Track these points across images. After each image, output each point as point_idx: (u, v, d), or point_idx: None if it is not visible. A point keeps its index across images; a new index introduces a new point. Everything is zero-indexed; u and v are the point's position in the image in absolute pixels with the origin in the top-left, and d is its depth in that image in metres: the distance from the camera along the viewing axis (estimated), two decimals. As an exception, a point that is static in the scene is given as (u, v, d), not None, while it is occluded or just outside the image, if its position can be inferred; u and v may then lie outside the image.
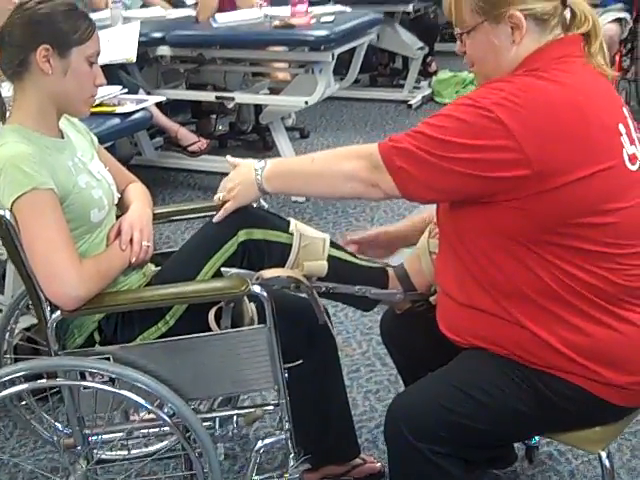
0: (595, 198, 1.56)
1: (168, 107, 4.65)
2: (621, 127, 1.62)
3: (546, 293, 1.60)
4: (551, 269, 1.59)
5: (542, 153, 1.52)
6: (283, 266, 1.83)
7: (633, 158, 1.62)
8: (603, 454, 1.74)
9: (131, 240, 1.87)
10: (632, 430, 2.36)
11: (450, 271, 1.72)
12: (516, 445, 2.26)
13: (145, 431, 1.99)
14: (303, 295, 1.81)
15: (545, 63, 1.59)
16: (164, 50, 4.57)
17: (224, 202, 1.86)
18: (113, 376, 1.74)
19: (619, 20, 4.25)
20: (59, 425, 2.34)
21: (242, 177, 1.85)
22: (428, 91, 6.08)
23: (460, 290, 1.70)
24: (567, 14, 1.64)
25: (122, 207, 1.99)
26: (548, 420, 1.69)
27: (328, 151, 1.82)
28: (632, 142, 1.64)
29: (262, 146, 5.12)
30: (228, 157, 1.94)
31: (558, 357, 1.61)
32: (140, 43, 4.20)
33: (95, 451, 1.89)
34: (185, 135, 4.57)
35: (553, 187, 1.53)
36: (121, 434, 1.90)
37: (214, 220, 1.86)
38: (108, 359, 1.77)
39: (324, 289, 1.85)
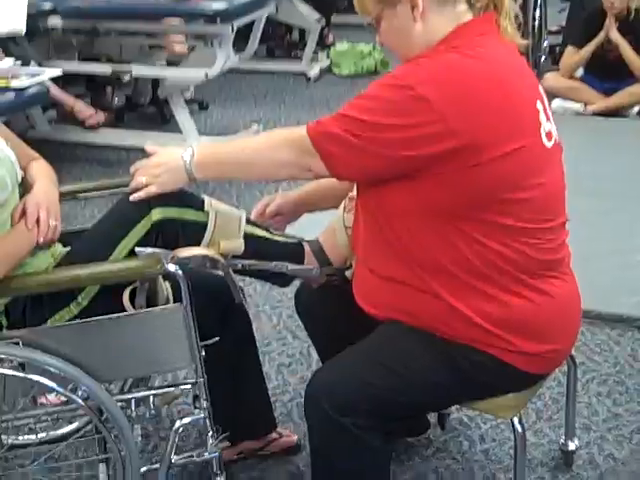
0: (518, 173, 1.60)
1: (61, 79, 4.50)
2: (538, 104, 1.66)
3: (466, 266, 1.63)
4: (472, 243, 1.61)
5: (468, 125, 1.54)
6: (199, 244, 1.80)
7: (549, 135, 1.66)
8: (515, 419, 1.79)
9: (37, 219, 1.80)
10: (537, 393, 2.44)
11: (369, 243, 1.73)
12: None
13: (55, 415, 1.94)
14: (219, 273, 1.79)
15: (464, 41, 1.61)
16: (55, 21, 4.40)
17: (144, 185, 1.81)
18: (22, 361, 1.69)
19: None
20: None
21: (168, 164, 1.81)
22: (326, 63, 6.10)
23: (378, 262, 1.72)
24: None
25: (26, 186, 1.91)
26: (466, 391, 1.73)
27: (258, 138, 1.85)
28: (547, 118, 1.67)
29: (160, 119, 5.03)
30: (147, 145, 1.89)
31: (474, 329, 1.65)
32: (29, 14, 4.04)
33: (4, 437, 1.83)
34: (81, 108, 4.45)
35: (480, 162, 1.55)
36: (31, 420, 1.84)
37: (131, 198, 1.81)
38: (17, 343, 1.71)
39: (241, 266, 1.84)
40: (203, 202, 1.85)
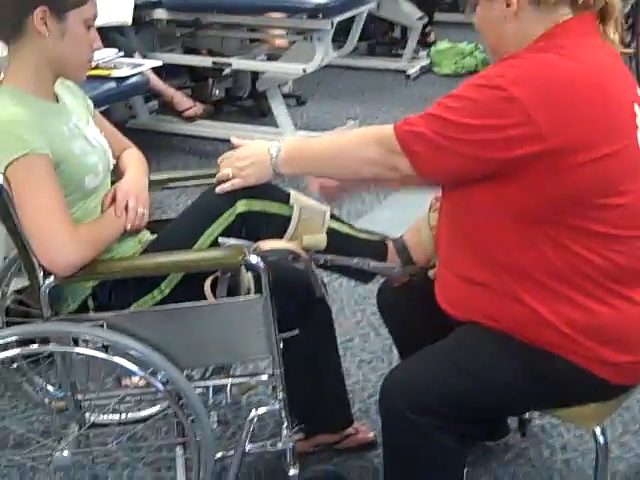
0: (610, 179, 1.55)
1: (164, 71, 4.60)
2: (636, 107, 1.61)
3: (552, 272, 1.59)
4: (560, 250, 1.58)
5: (558, 130, 1.50)
6: (282, 238, 1.81)
7: None
8: (597, 430, 1.74)
9: (126, 207, 1.85)
10: (624, 405, 2.36)
11: (451, 244, 1.71)
12: (509, 417, 2.26)
13: (138, 396, 1.99)
14: (301, 266, 1.80)
15: (562, 42, 1.56)
16: (160, 13, 4.51)
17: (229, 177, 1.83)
18: (107, 343, 1.73)
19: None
20: (51, 388, 2.34)
21: (254, 157, 1.83)
22: (426, 61, 6.04)
23: (460, 263, 1.69)
24: None
25: (117, 173, 1.97)
26: (544, 397, 1.69)
27: (345, 134, 1.82)
28: None
29: (258, 113, 5.08)
30: (233, 139, 1.91)
31: (557, 335, 1.61)
32: (136, 5, 4.15)
33: (87, 415, 1.89)
34: (181, 100, 4.53)
35: (569, 166, 1.51)
36: (114, 400, 1.90)
37: (217, 190, 1.83)
38: (102, 326, 1.75)
39: (322, 261, 1.84)
40: (289, 195, 1.87)
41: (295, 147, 1.83)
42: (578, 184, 1.53)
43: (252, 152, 1.84)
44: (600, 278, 1.59)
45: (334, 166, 1.79)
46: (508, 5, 1.58)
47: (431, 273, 1.89)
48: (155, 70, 4.23)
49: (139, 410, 2.30)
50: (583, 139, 1.51)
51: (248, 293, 1.82)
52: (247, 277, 1.85)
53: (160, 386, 1.77)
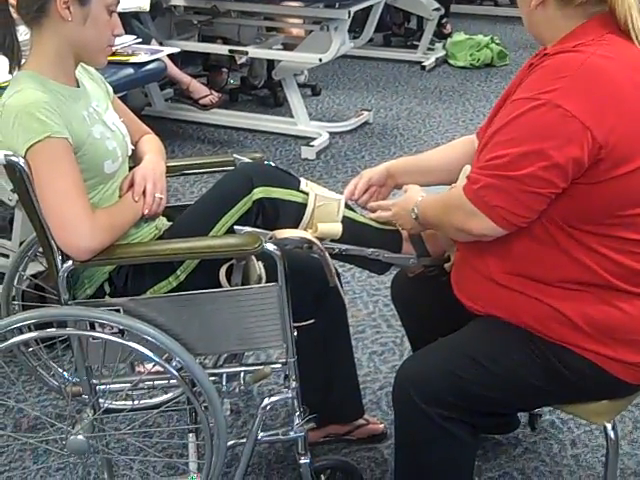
0: None
1: (179, 58, 4.61)
2: None
3: (579, 275, 1.59)
4: (588, 252, 1.57)
5: (610, 139, 1.47)
6: (297, 226, 1.82)
7: None
8: (608, 426, 1.74)
9: (144, 192, 1.85)
10: (636, 402, 2.36)
11: (476, 245, 1.67)
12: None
13: (151, 383, 2.00)
14: (315, 255, 1.80)
15: (592, 38, 1.54)
16: (178, 0, 4.51)
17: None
18: (123, 328, 1.74)
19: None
20: (65, 373, 2.35)
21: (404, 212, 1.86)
22: (442, 53, 6.02)
23: (485, 265, 1.68)
24: None
25: (135, 159, 1.97)
26: (558, 393, 1.69)
27: (441, 196, 1.78)
28: None
29: (273, 102, 5.09)
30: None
31: (576, 332, 1.61)
32: (153, -8, 4.16)
33: (101, 400, 1.90)
34: (197, 88, 4.53)
35: (610, 177, 1.50)
36: (128, 385, 1.91)
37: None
38: (118, 311, 1.76)
39: (337, 251, 1.85)
40: (299, 183, 1.87)
41: (421, 208, 1.80)
42: (619, 193, 1.52)
43: (402, 207, 1.87)
44: (625, 278, 1.59)
45: (444, 230, 1.79)
46: None
47: (447, 265, 1.89)
48: (171, 58, 4.24)
49: (151, 397, 2.32)
50: (629, 147, 1.50)
51: (259, 281, 1.82)
52: (258, 265, 1.85)
53: (175, 372, 1.78)
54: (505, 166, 1.51)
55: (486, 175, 1.54)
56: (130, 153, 1.94)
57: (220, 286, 1.79)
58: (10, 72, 1.80)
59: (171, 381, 1.90)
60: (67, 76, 1.80)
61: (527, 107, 1.50)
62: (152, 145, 2.03)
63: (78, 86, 1.84)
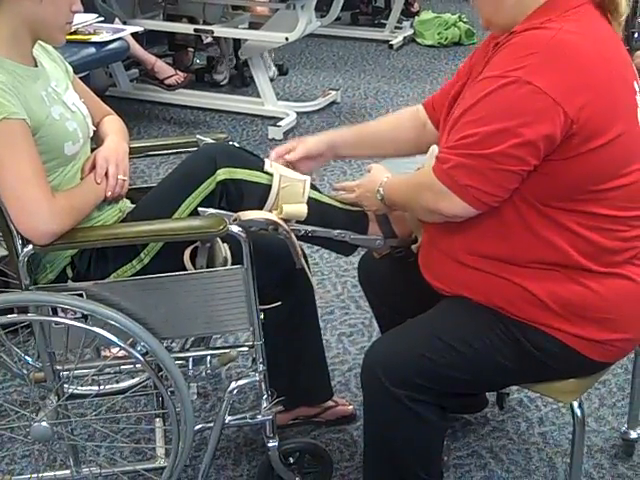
0: (618, 161, 1.54)
1: (144, 38, 4.54)
2: (636, 85, 1.59)
3: (548, 253, 1.58)
4: (558, 229, 1.56)
5: (582, 114, 1.46)
6: (262, 208, 1.79)
7: None
8: (575, 404, 1.75)
9: (106, 174, 1.82)
10: (601, 379, 2.39)
11: (443, 227, 1.66)
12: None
13: (117, 368, 1.98)
14: (281, 237, 1.78)
15: (559, 13, 1.52)
16: (142, -23, 4.45)
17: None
18: (86, 313, 1.71)
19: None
20: (29, 359, 2.32)
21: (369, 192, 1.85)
22: (410, 32, 6.01)
23: (452, 247, 1.67)
24: None
25: (97, 140, 1.93)
26: (526, 373, 1.69)
27: (408, 177, 1.77)
28: None
29: (240, 82, 5.04)
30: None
31: (544, 311, 1.60)
32: (117, -30, 4.09)
33: (66, 386, 1.87)
34: (162, 68, 4.47)
35: (589, 149, 1.49)
36: (93, 370, 1.88)
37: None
38: (81, 295, 1.73)
39: (303, 232, 1.82)
40: (264, 163, 1.84)
41: (386, 189, 1.79)
42: (592, 167, 1.52)
43: (367, 188, 1.86)
44: (595, 256, 1.59)
45: (412, 211, 1.78)
46: None
47: (414, 246, 1.88)
48: (135, 37, 4.17)
49: (117, 382, 2.29)
50: (598, 122, 1.48)
51: (225, 264, 1.79)
52: (224, 247, 1.82)
53: (140, 357, 1.75)
54: (475, 145, 1.50)
55: (456, 154, 1.52)
56: (92, 134, 1.90)
57: (185, 269, 1.76)
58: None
59: (137, 365, 1.88)
60: (24, 55, 1.75)
61: (496, 85, 1.49)
62: (114, 126, 1.99)
63: (36, 65, 1.79)
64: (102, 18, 3.47)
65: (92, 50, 3.14)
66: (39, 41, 1.80)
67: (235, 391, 1.86)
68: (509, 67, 1.48)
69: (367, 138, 2.00)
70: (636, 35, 5.39)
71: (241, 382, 1.88)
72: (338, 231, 1.86)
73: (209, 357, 1.89)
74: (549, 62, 1.46)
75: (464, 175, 1.52)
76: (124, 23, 4.25)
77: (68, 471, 1.94)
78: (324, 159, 2.01)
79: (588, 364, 1.66)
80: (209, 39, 5.23)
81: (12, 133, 1.62)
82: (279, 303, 1.91)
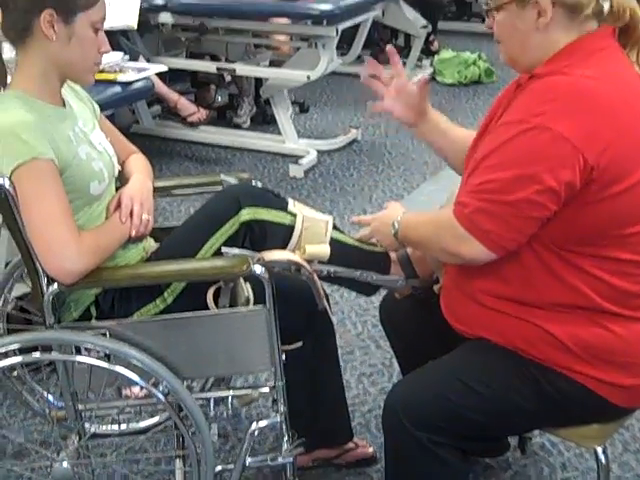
0: (637, 206, 1.53)
1: (167, 75, 4.60)
2: None
3: (571, 297, 1.58)
4: (581, 274, 1.56)
5: (602, 159, 1.46)
6: (285, 248, 1.80)
7: None
8: (599, 449, 1.72)
9: (131, 213, 1.83)
10: (625, 424, 2.35)
11: (463, 267, 1.66)
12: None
13: (137, 407, 1.97)
14: (303, 278, 1.78)
15: (583, 56, 1.52)
16: (166, 17, 4.51)
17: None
18: (109, 352, 1.71)
19: None
20: (51, 397, 2.31)
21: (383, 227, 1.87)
22: (430, 70, 6.03)
23: (474, 289, 1.67)
24: (605, 5, 1.54)
25: (122, 179, 1.95)
26: (548, 416, 1.67)
27: (427, 216, 1.77)
28: None
29: (261, 120, 5.07)
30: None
31: (567, 355, 1.59)
32: (141, 9, 4.15)
33: (87, 425, 1.87)
34: (185, 105, 4.52)
35: (610, 195, 1.49)
36: (115, 410, 1.88)
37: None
38: (104, 334, 1.74)
39: (325, 273, 1.83)
40: (287, 204, 1.85)
41: (402, 225, 1.80)
42: (613, 213, 1.51)
43: (381, 222, 1.88)
44: (619, 300, 1.58)
45: (428, 251, 1.80)
46: (540, 15, 1.53)
47: (436, 287, 1.87)
48: (159, 75, 4.22)
49: (137, 421, 2.28)
50: (619, 168, 1.48)
51: (247, 303, 1.80)
52: (246, 287, 1.83)
53: (161, 397, 1.75)
54: (497, 191, 1.50)
55: (477, 199, 1.53)
56: (117, 174, 1.92)
57: (207, 308, 1.76)
58: (-5, 92, 1.78)
59: (159, 405, 1.88)
60: (53, 96, 1.77)
61: (516, 131, 1.49)
62: (139, 165, 2.01)
63: (64, 106, 1.82)
64: (127, 57, 3.52)
65: (118, 89, 3.17)
66: (68, 80, 1.82)
67: (256, 432, 1.85)
68: (529, 113, 1.49)
69: (447, 129, 2.00)
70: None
71: (262, 423, 1.87)
72: (360, 271, 1.86)
73: (230, 397, 1.89)
74: (569, 108, 1.47)
75: (486, 220, 1.52)
76: (148, 61, 4.31)
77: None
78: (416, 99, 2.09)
79: (611, 409, 1.64)
80: (229, 77, 5.28)
81: (41, 173, 1.64)
82: (300, 343, 1.91)
